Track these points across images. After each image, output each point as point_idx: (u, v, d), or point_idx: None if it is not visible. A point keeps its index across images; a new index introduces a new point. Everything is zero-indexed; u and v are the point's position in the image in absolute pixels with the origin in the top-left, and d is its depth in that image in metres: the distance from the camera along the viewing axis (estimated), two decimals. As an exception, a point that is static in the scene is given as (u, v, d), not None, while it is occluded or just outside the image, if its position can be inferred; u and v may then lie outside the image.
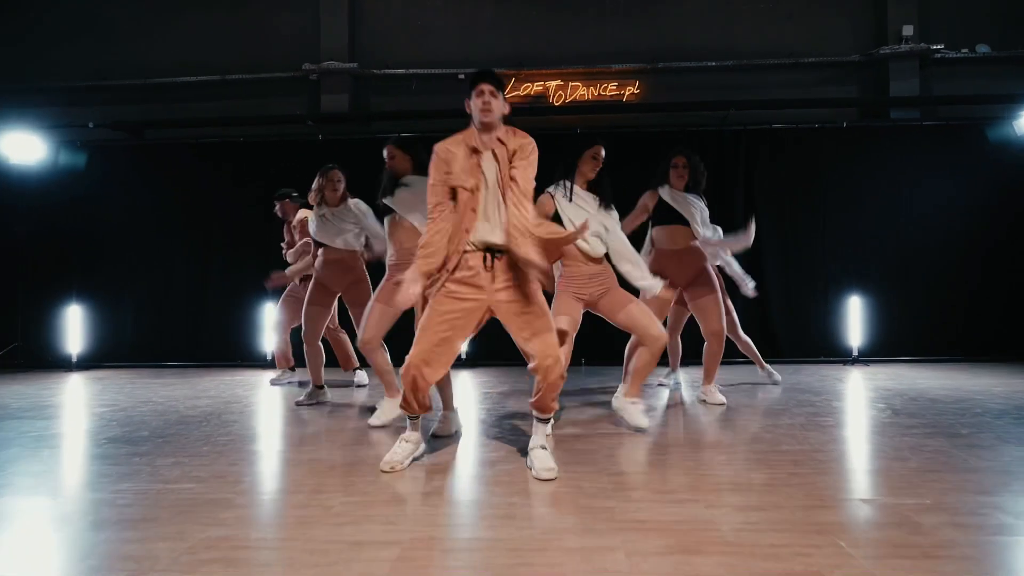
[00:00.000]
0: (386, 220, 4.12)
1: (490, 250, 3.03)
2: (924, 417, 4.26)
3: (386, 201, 4.04)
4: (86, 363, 7.61)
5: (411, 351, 3.02)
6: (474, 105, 3.02)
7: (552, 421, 3.26)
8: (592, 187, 3.96)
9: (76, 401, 5.42)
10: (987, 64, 7.88)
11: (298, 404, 4.93)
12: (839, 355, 7.23)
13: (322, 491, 2.86)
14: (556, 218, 3.80)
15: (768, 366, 5.76)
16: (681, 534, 2.32)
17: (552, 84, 8.15)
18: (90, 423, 4.43)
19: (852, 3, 8.07)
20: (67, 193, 7.82)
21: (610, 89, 8.10)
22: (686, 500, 2.70)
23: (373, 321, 4.04)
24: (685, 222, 4.59)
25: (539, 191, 3.50)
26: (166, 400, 5.29)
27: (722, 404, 4.70)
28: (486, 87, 2.99)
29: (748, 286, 5.20)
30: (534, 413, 3.19)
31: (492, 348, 6.58)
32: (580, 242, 3.79)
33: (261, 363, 7.45)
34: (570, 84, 8.15)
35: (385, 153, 4.14)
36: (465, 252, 3.02)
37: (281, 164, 7.80)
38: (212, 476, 3.11)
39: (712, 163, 7.53)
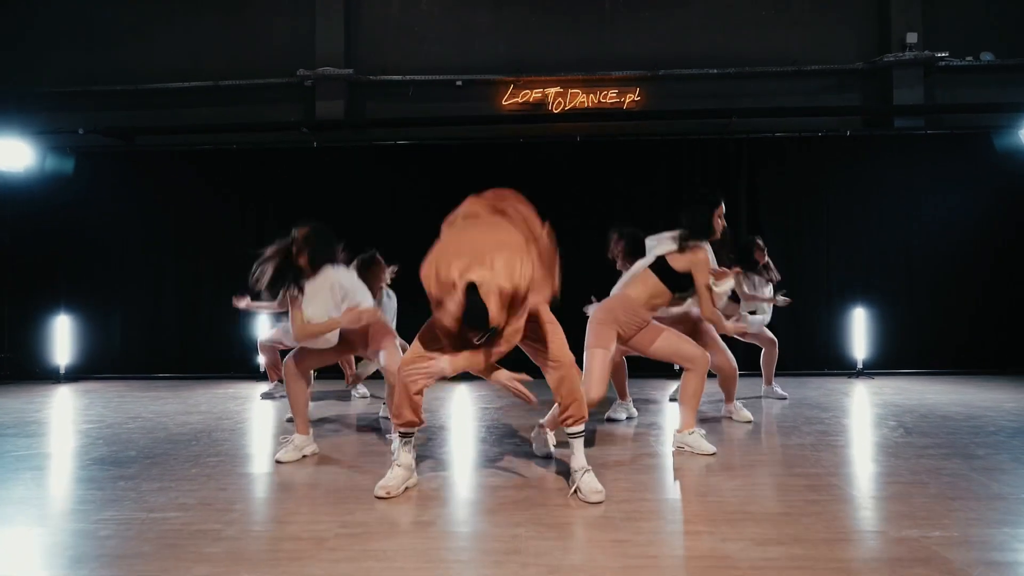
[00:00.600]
0: None
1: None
2: (937, 436, 4.13)
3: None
4: (74, 375, 7.44)
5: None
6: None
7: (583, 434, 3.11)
8: None
9: (62, 417, 5.26)
10: (992, 72, 7.79)
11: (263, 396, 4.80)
12: (844, 368, 7.11)
13: (316, 521, 2.71)
14: None
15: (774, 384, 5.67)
16: (698, 572, 2.18)
17: (551, 91, 8.02)
18: (75, 441, 4.27)
19: (855, 10, 7.98)
20: (55, 200, 7.65)
21: (610, 96, 7.98)
22: (701, 532, 2.56)
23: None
24: None
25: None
26: (155, 416, 5.13)
27: (749, 421, 4.61)
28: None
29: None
30: (568, 432, 3.06)
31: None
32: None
33: (253, 375, 7.29)
34: (569, 91, 8.03)
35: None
36: None
37: (275, 172, 7.68)
38: (200, 503, 2.96)
39: (715, 172, 7.47)
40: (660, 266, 3.77)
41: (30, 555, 2.39)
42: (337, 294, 3.57)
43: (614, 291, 3.97)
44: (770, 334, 5.57)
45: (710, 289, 3.69)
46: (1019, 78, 7.77)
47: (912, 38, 7.61)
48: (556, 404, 3.15)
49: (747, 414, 4.65)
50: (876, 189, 7.29)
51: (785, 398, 5.58)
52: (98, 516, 2.78)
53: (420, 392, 2.99)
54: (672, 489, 3.17)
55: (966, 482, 3.16)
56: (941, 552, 2.32)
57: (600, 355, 3.61)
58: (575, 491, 2.97)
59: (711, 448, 3.71)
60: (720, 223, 3.84)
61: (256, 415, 5.20)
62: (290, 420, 4.73)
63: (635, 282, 3.81)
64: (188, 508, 2.88)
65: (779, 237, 7.31)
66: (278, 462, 3.62)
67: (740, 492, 3.06)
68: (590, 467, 3.03)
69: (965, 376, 6.82)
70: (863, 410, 5.20)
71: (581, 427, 3.06)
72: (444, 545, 2.48)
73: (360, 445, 4.10)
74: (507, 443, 4.07)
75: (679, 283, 3.75)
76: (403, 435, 3.12)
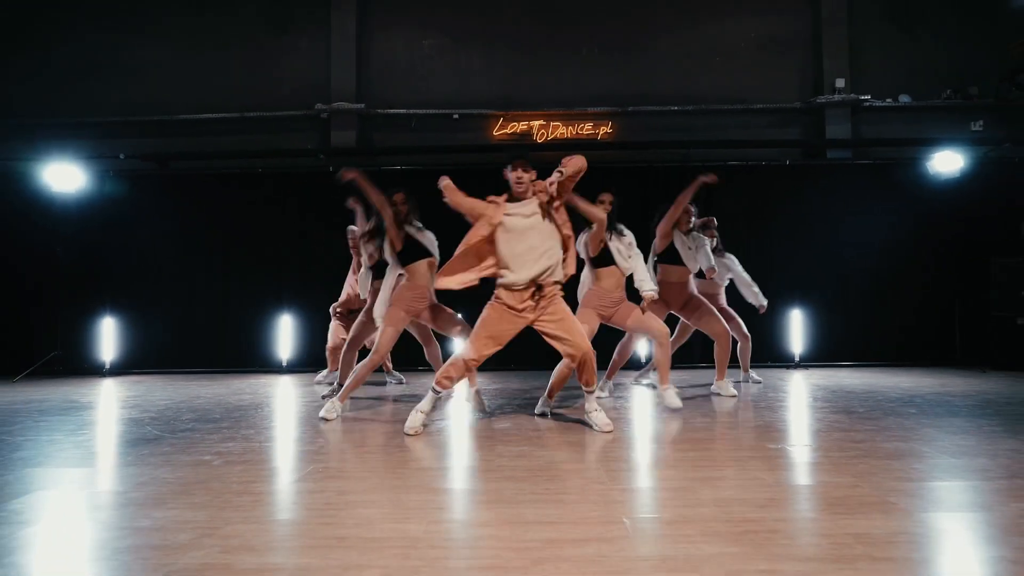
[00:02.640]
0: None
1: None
2: (836, 403, 5.39)
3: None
4: (117, 370, 8.48)
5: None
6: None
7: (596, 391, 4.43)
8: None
9: (133, 401, 6.33)
10: (908, 112, 9.18)
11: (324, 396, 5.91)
12: (784, 360, 8.38)
13: (364, 457, 3.88)
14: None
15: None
16: (645, 496, 3.39)
17: (535, 123, 9.27)
18: (165, 413, 5.36)
19: (794, 58, 9.35)
20: (101, 218, 8.69)
21: (586, 128, 9.25)
22: (655, 471, 3.77)
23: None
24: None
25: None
26: (212, 396, 6.23)
27: (733, 396, 5.81)
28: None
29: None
30: (587, 391, 4.39)
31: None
32: (622, 261, 4.99)
33: (277, 368, 8.38)
34: (551, 123, 9.28)
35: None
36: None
37: (295, 192, 8.79)
38: (271, 450, 4.11)
39: (674, 195, 8.70)
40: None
41: (194, 463, 3.51)
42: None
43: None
44: (745, 329, 6.56)
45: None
46: (931, 116, 9.16)
47: (840, 83, 8.98)
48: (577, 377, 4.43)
49: (733, 390, 5.91)
50: (812, 210, 8.60)
51: (760, 382, 6.75)
52: (225, 445, 3.92)
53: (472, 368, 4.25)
54: (642, 442, 4.38)
55: (840, 424, 4.41)
56: (792, 454, 3.55)
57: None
58: (591, 425, 4.31)
59: (679, 403, 5.03)
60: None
61: (293, 398, 6.32)
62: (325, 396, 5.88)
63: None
64: (283, 440, 4.03)
65: (730, 251, 8.57)
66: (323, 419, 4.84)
67: (683, 430, 4.27)
68: (599, 408, 4.36)
69: (882, 367, 8.13)
70: (795, 390, 6.45)
71: (594, 387, 4.39)
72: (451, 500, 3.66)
73: (391, 422, 5.25)
74: (500, 432, 5.25)
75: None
76: (436, 392, 4.31)
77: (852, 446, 3.72)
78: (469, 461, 3.55)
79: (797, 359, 8.33)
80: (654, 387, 6.20)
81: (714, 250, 6.51)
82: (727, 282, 6.78)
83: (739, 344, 6.55)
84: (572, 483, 3.06)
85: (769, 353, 8.43)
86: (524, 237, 4.14)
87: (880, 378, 7.12)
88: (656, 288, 5.05)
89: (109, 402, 5.98)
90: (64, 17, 9.56)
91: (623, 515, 2.57)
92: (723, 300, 6.67)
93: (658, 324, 5.05)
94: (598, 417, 4.31)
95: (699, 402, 5.54)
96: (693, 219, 6.06)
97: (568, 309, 4.29)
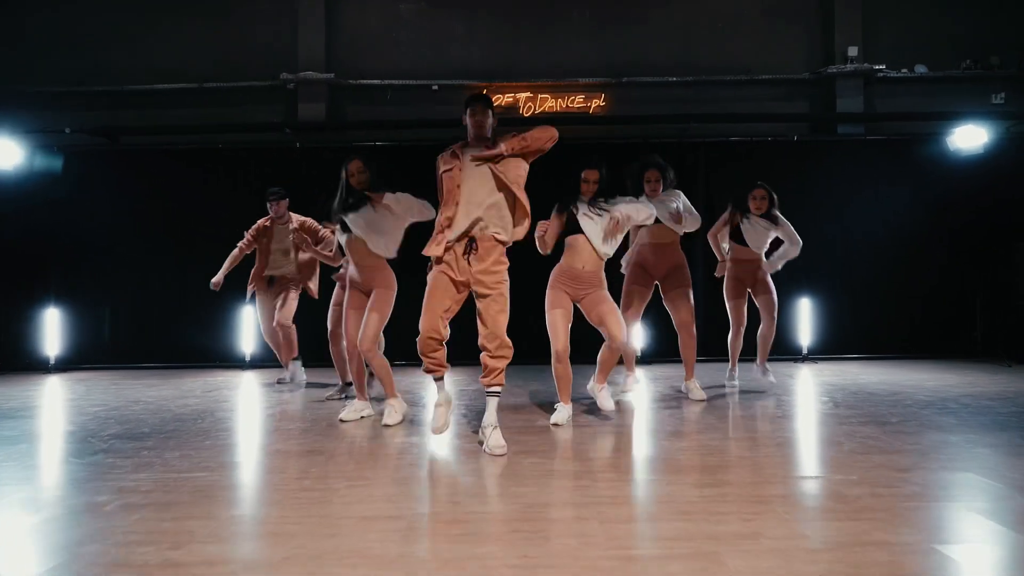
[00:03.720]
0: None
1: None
2: (860, 408, 4.74)
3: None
4: (63, 366, 7.73)
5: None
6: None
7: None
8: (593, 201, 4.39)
9: (67, 402, 5.61)
10: (924, 83, 8.50)
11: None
12: (790, 353, 7.73)
13: (328, 476, 3.18)
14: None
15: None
16: (644, 507, 2.71)
17: (522, 96, 8.53)
18: (89, 422, 4.64)
19: (802, 25, 8.62)
20: (43, 197, 7.89)
21: (577, 102, 8.51)
22: (650, 480, 3.09)
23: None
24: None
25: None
26: (155, 400, 5.51)
27: (703, 400, 5.09)
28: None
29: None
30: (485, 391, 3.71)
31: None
32: (601, 247, 4.29)
33: (239, 364, 7.67)
34: (539, 96, 8.54)
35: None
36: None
37: (259, 171, 8.02)
38: (221, 466, 3.40)
39: (674, 172, 8.02)
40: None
41: (84, 505, 2.81)
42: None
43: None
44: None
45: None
46: (949, 89, 8.47)
47: (853, 51, 8.27)
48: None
49: (702, 393, 5.24)
50: (820, 190, 7.91)
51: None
52: (134, 476, 3.21)
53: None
54: (626, 450, 3.70)
55: (874, 441, 3.74)
56: (841, 490, 2.88)
57: (559, 313, 4.32)
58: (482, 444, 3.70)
59: (611, 405, 4.39)
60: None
61: (251, 399, 5.61)
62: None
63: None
64: (212, 470, 3.32)
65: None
66: (341, 421, 4.32)
67: (686, 451, 3.60)
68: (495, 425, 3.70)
69: (899, 360, 7.49)
70: (804, 389, 5.81)
71: (495, 389, 3.73)
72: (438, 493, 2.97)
73: (375, 428, 4.55)
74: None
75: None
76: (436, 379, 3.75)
77: (900, 477, 3.06)
78: (426, 507, 2.86)
79: (805, 352, 7.68)
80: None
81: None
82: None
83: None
84: (560, 546, 2.37)
85: (775, 345, 7.76)
86: (466, 184, 3.62)
87: (898, 374, 6.49)
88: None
89: (32, 407, 5.24)
90: (3, -22, 8.69)
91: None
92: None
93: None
94: (492, 437, 3.61)
95: (709, 408, 4.87)
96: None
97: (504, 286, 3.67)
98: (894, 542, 2.31)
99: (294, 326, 6.30)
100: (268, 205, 6.26)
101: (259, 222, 6.29)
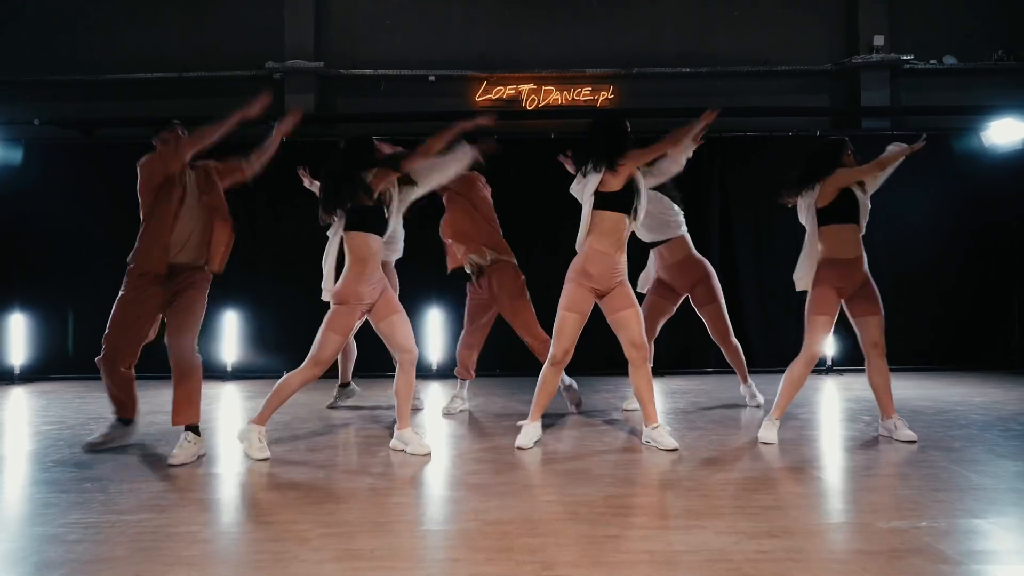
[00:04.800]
0: None
1: None
2: (912, 430, 4.19)
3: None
4: (29, 375, 7.16)
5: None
6: None
7: None
8: None
9: (18, 418, 5.06)
10: (954, 75, 7.99)
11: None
12: (815, 366, 7.19)
13: (296, 520, 2.62)
14: None
15: (752, 384, 5.22)
16: (694, 568, 2.15)
17: (525, 88, 8.00)
18: (35, 444, 4.09)
19: (824, 13, 8.12)
20: (11, 195, 7.33)
21: (584, 94, 8.00)
22: (692, 526, 2.53)
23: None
24: None
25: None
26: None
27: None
28: None
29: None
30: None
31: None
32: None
33: (220, 374, 7.11)
34: (543, 88, 8.02)
35: None
36: None
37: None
38: (174, 504, 2.84)
39: (687, 169, 7.45)
40: (602, 198, 3.72)
41: (-8, 561, 2.25)
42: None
43: None
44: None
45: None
46: (980, 81, 7.97)
47: (879, 41, 7.76)
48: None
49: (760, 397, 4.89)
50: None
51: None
52: (64, 519, 2.64)
53: None
54: (657, 484, 3.15)
55: (946, 473, 3.20)
56: (932, 543, 2.33)
57: (571, 319, 3.71)
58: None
59: (674, 442, 3.67)
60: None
61: (222, 415, 5.05)
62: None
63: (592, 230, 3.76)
64: (162, 509, 2.76)
65: (749, 233, 7.42)
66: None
67: (727, 486, 3.05)
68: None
69: (929, 372, 6.94)
70: (835, 405, 5.27)
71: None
72: (435, 544, 2.41)
73: (337, 446, 4.00)
74: (486, 437, 4.01)
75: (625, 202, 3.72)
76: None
77: (981, 515, 2.51)
78: (451, 516, 2.30)
79: (829, 363, 7.14)
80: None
81: None
82: None
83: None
84: (607, 552, 1.81)
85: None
86: None
87: (935, 388, 5.96)
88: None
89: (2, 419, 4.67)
90: (-30, -41, 8.14)
91: None
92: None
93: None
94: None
95: (731, 430, 4.32)
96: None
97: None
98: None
99: None
100: None
101: None
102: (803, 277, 4.01)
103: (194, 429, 3.60)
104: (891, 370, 5.33)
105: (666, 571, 2.11)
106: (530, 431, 3.75)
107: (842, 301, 3.97)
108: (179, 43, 8.11)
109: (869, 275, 4.03)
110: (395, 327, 3.61)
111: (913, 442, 3.74)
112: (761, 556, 2.23)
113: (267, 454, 3.50)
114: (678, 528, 2.52)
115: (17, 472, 3.43)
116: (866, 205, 4.03)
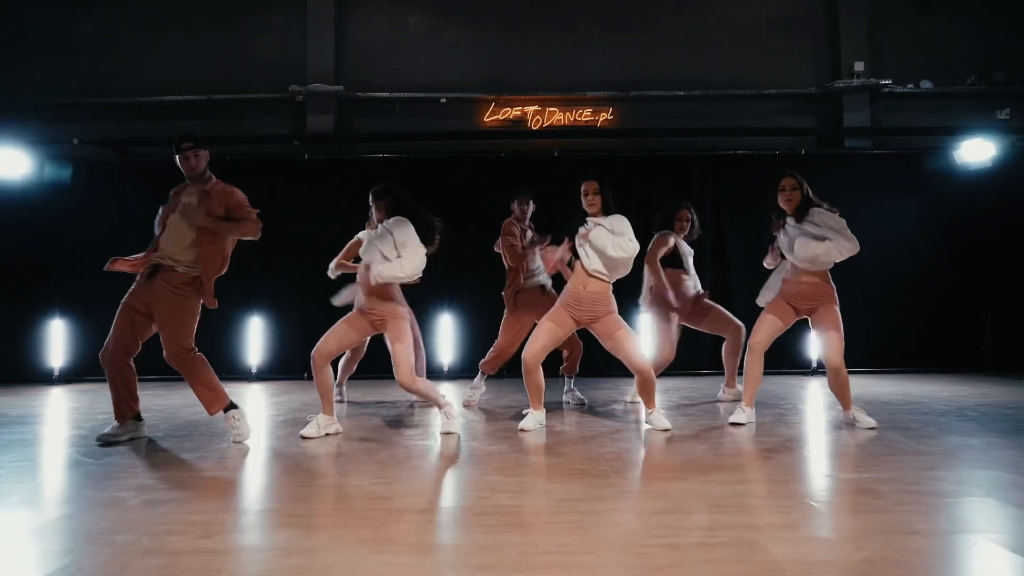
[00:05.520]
0: None
1: None
2: (878, 416, 4.68)
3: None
4: (68, 377, 7.66)
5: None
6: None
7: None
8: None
9: (74, 410, 5.54)
10: (930, 99, 8.54)
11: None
12: (800, 367, 7.70)
13: (351, 474, 3.13)
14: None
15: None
16: (678, 499, 2.67)
17: (530, 109, 8.55)
18: (99, 427, 4.59)
19: (810, 40, 8.69)
20: (50, 208, 7.85)
21: (585, 115, 8.54)
22: (676, 478, 3.04)
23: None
24: None
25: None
26: (164, 408, 5.45)
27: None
28: None
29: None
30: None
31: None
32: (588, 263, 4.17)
33: (245, 376, 7.61)
34: (547, 109, 8.56)
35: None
36: None
37: (267, 182, 8.01)
38: (242, 465, 3.35)
39: (681, 186, 8.05)
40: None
41: (106, 501, 2.75)
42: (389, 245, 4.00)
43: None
44: (736, 320, 5.75)
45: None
46: (955, 104, 8.53)
47: (859, 66, 8.33)
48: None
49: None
50: (828, 203, 7.91)
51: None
52: (153, 475, 3.15)
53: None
54: (648, 458, 3.66)
55: (899, 444, 3.71)
56: (874, 486, 2.84)
57: (547, 326, 4.23)
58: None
59: (668, 423, 4.21)
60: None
61: (259, 407, 5.55)
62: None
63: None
64: (233, 469, 3.27)
65: (740, 246, 7.92)
66: (303, 438, 4.00)
67: (709, 452, 3.56)
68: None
69: (910, 374, 7.45)
70: (816, 400, 5.77)
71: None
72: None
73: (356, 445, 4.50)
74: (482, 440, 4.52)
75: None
76: None
77: (929, 475, 3.02)
78: (456, 500, 2.81)
79: (814, 365, 7.65)
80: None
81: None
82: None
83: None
84: (598, 535, 2.32)
85: (783, 359, 7.74)
86: None
87: (909, 386, 6.46)
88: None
89: (39, 416, 5.18)
90: (15, -10, 8.74)
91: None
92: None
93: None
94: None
95: (720, 418, 4.83)
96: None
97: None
98: (932, 531, 2.28)
99: None
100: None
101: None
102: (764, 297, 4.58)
103: (232, 407, 4.03)
104: (876, 372, 5.94)
105: (658, 503, 2.63)
106: (531, 418, 4.28)
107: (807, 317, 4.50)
108: (208, 68, 8.67)
109: (833, 296, 4.63)
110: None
111: (873, 428, 4.22)
112: (734, 496, 2.74)
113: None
114: (667, 479, 3.04)
115: (95, 447, 3.93)
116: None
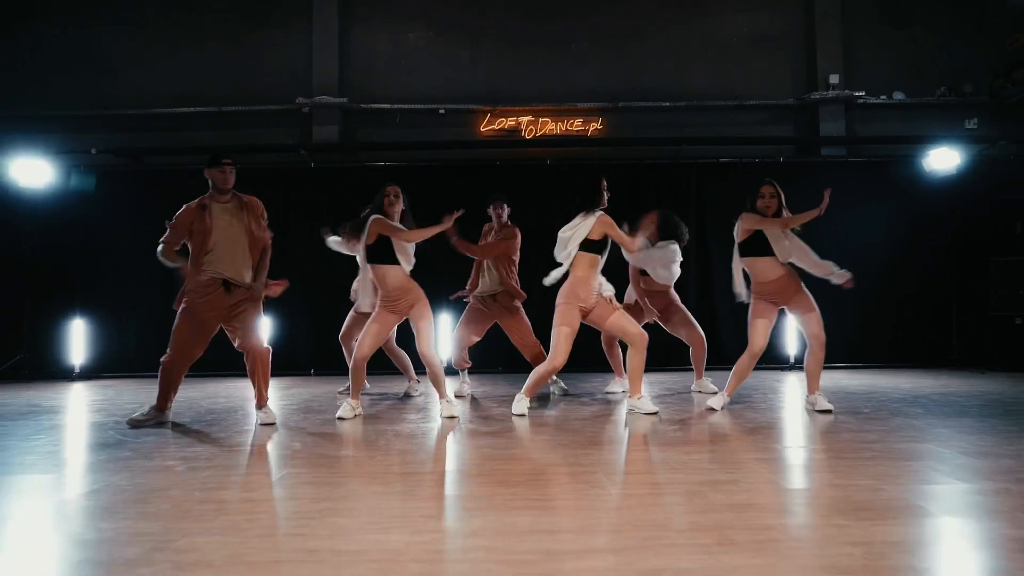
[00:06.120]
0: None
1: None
2: (838, 404, 5.16)
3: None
4: (88, 374, 8.11)
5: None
6: None
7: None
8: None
9: (101, 401, 5.99)
10: (902, 109, 9.03)
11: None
12: (778, 362, 8.17)
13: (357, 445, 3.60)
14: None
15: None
16: (668, 470, 3.14)
17: (524, 119, 9.02)
18: (131, 413, 5.04)
19: (788, 54, 9.18)
20: (72, 214, 8.32)
21: (576, 125, 9.01)
22: (641, 448, 3.51)
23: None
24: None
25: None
26: (185, 399, 5.91)
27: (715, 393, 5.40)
28: None
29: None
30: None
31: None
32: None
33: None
34: (540, 119, 9.03)
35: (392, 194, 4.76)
36: None
37: (275, 189, 8.47)
38: (271, 440, 3.81)
39: (667, 192, 8.52)
40: (586, 243, 4.68)
41: (155, 468, 3.21)
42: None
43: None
44: (700, 332, 6.10)
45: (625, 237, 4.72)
46: (925, 114, 9.01)
47: (835, 79, 8.81)
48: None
49: (713, 387, 5.74)
50: (805, 208, 8.33)
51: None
52: (192, 449, 3.61)
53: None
54: (627, 438, 4.13)
55: (846, 424, 4.18)
56: (812, 456, 3.31)
57: (565, 332, 4.58)
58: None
59: (654, 408, 4.67)
60: (605, 193, 4.81)
61: (276, 397, 6.01)
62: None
63: (576, 264, 4.72)
64: (265, 442, 3.73)
65: (724, 249, 8.31)
66: (340, 419, 4.56)
67: (680, 431, 4.02)
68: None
69: (878, 368, 7.93)
70: (791, 392, 6.23)
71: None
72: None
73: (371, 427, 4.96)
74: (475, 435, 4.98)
75: (600, 247, 4.69)
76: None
77: (865, 447, 3.48)
78: (456, 464, 3.28)
79: (792, 361, 8.12)
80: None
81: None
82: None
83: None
84: (568, 488, 2.79)
85: (763, 355, 8.19)
86: None
87: (878, 379, 6.93)
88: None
89: (72, 406, 5.64)
90: (36, 7, 9.20)
91: (629, 523, 2.31)
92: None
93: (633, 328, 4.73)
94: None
95: (687, 405, 5.29)
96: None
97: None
98: (852, 484, 2.74)
99: None
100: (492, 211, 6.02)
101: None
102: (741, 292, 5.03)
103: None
104: (851, 367, 6.39)
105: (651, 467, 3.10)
106: (524, 402, 4.76)
107: (784, 307, 4.95)
108: (219, 81, 9.14)
109: (800, 284, 4.94)
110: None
111: (829, 411, 4.69)
112: (689, 459, 3.20)
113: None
114: (635, 449, 3.51)
115: (133, 429, 4.38)
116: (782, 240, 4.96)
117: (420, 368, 5.37)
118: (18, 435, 4.15)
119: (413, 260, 4.73)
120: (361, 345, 4.63)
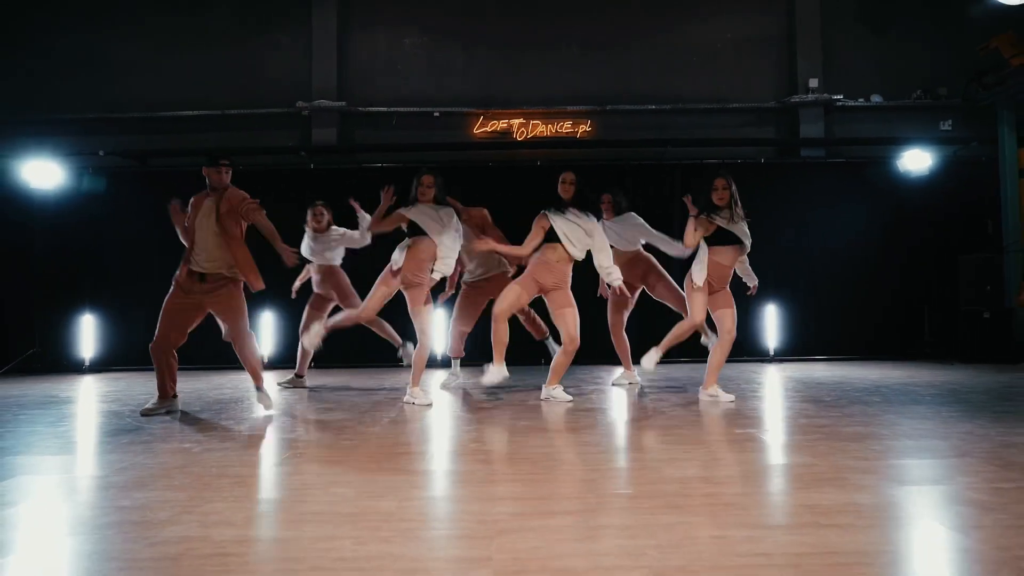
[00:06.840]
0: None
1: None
2: (805, 392, 5.54)
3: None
4: (97, 367, 8.47)
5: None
6: None
7: None
8: (575, 204, 5.18)
9: (113, 392, 6.36)
10: (879, 112, 9.39)
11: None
12: (759, 355, 8.55)
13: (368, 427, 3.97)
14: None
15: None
16: (609, 445, 3.51)
17: (515, 122, 9.36)
18: (143, 403, 5.40)
19: (769, 58, 9.53)
20: (80, 215, 8.67)
21: (566, 127, 9.36)
22: (615, 434, 3.88)
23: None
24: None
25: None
26: (192, 390, 6.28)
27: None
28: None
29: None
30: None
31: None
32: (569, 247, 5.03)
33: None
34: (531, 122, 9.38)
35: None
36: None
37: (276, 190, 8.80)
38: (281, 425, 4.18)
39: (652, 192, 8.88)
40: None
41: (174, 449, 3.56)
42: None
43: None
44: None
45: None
46: (901, 116, 9.37)
47: (814, 83, 9.17)
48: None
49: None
50: (786, 207, 8.76)
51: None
52: (207, 433, 3.98)
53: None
54: (614, 428, 4.49)
55: (805, 411, 4.55)
56: (760, 436, 3.68)
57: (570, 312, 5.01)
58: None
59: (568, 397, 5.05)
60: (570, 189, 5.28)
61: (272, 392, 6.38)
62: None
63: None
64: (276, 429, 4.10)
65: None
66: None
67: (647, 416, 4.39)
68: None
69: (854, 361, 8.30)
70: (769, 382, 6.60)
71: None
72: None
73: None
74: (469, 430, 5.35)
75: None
76: None
77: (815, 430, 3.85)
78: (447, 445, 3.65)
79: (772, 353, 8.49)
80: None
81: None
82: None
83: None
84: (545, 464, 3.16)
85: (744, 348, 8.57)
86: None
87: (851, 371, 7.30)
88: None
89: (89, 397, 6.01)
90: (44, 14, 9.53)
91: (589, 491, 2.67)
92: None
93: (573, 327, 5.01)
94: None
95: (667, 393, 5.67)
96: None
97: None
98: (795, 463, 3.11)
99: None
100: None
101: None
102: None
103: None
104: (832, 359, 6.75)
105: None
106: (496, 372, 5.06)
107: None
108: (222, 85, 9.48)
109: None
110: None
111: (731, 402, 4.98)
112: (660, 441, 3.57)
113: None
114: (614, 434, 3.88)
115: (146, 416, 4.73)
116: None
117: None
118: (44, 422, 4.51)
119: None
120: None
